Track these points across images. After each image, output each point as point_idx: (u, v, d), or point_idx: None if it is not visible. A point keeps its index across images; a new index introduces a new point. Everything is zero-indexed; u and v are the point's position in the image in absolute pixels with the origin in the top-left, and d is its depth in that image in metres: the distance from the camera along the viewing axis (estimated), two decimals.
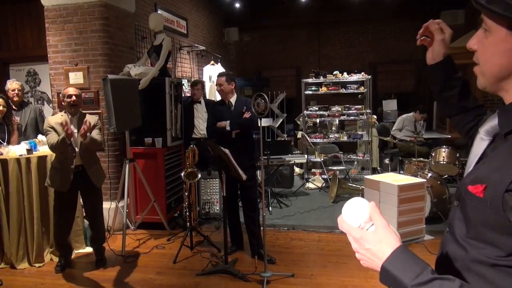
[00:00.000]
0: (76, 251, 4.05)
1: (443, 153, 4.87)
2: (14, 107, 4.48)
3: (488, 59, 0.84)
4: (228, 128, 3.79)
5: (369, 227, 0.83)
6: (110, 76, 3.97)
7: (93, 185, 3.63)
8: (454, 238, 0.87)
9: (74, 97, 3.53)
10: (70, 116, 3.58)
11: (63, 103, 3.61)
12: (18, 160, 3.74)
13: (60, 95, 3.68)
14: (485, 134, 0.88)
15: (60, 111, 4.75)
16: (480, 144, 0.89)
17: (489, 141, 0.88)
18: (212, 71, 7.25)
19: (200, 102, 5.42)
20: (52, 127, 3.50)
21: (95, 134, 3.55)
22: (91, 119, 3.62)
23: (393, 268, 0.78)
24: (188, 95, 6.67)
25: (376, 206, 0.83)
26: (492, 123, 0.88)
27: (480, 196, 0.79)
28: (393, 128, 6.92)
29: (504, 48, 0.80)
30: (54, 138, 3.40)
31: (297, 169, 7.42)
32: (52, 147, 3.44)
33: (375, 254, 0.81)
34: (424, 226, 2.29)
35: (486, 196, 0.78)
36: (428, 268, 0.77)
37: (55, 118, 3.60)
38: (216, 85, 3.91)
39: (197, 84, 5.49)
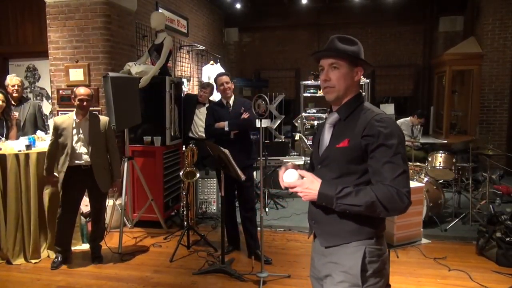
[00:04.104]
0: (72, 248, 4.04)
1: (439, 158, 4.91)
2: (13, 102, 4.47)
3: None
4: (226, 128, 3.80)
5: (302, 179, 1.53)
6: (111, 74, 3.98)
7: (99, 188, 3.66)
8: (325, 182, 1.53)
9: (86, 102, 3.57)
10: (77, 120, 3.61)
11: (73, 102, 3.64)
12: (17, 156, 3.74)
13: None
14: (329, 125, 1.62)
15: (59, 107, 4.80)
16: (329, 130, 1.62)
17: (333, 128, 1.61)
18: (212, 71, 7.26)
19: (204, 104, 5.40)
20: (56, 130, 3.56)
21: (115, 164, 3.77)
22: (102, 121, 3.71)
23: (324, 190, 1.47)
24: (188, 93, 6.69)
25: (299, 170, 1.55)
26: (332, 118, 1.61)
27: (347, 146, 1.51)
28: None
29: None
30: (47, 156, 3.60)
31: None
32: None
33: (312, 188, 1.48)
34: (422, 229, 2.32)
35: (350, 144, 1.50)
36: (340, 185, 1.46)
37: (62, 120, 3.63)
38: (221, 84, 3.85)
39: (206, 88, 5.48)
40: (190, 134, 5.38)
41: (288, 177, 1.55)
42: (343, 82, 1.55)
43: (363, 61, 1.57)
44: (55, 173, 3.69)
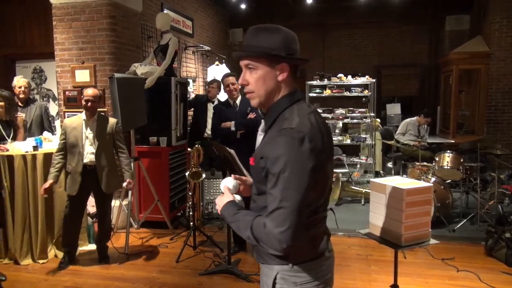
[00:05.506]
0: (79, 248, 4.05)
1: (447, 158, 4.86)
2: (20, 103, 4.50)
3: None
4: (233, 128, 3.80)
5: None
6: (117, 75, 3.99)
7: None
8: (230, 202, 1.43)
9: (90, 103, 3.60)
10: (86, 120, 3.65)
11: (82, 102, 3.68)
12: (24, 157, 3.76)
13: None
14: (260, 131, 1.42)
15: (66, 108, 4.83)
16: (259, 138, 1.42)
17: (264, 135, 1.37)
18: (217, 72, 7.26)
19: (213, 102, 5.42)
20: (64, 132, 3.60)
21: (125, 164, 3.82)
22: (110, 122, 3.74)
23: (224, 211, 1.39)
24: (196, 94, 6.70)
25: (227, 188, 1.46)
26: (263, 124, 1.40)
27: (253, 164, 1.32)
28: (397, 132, 6.92)
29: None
30: (53, 161, 3.60)
31: None
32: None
33: (219, 205, 1.41)
34: (430, 230, 2.29)
35: (255, 163, 1.29)
36: (236, 208, 1.36)
37: (72, 121, 3.67)
38: (227, 85, 3.88)
39: (213, 83, 5.53)
40: (206, 135, 5.39)
41: (222, 185, 1.49)
42: (262, 85, 1.30)
43: (283, 57, 1.29)
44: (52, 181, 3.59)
